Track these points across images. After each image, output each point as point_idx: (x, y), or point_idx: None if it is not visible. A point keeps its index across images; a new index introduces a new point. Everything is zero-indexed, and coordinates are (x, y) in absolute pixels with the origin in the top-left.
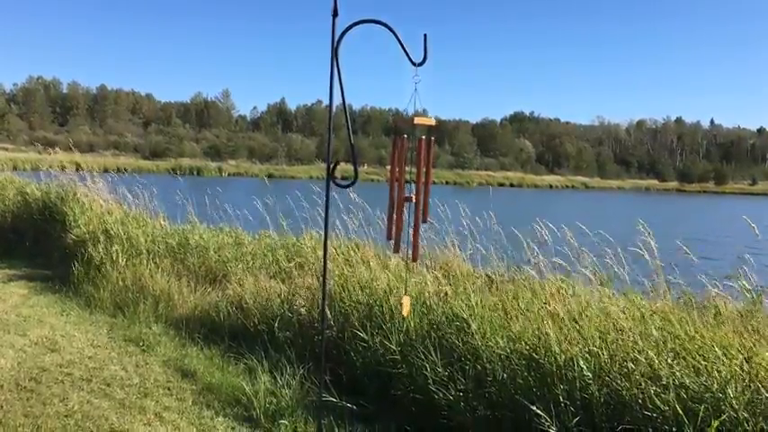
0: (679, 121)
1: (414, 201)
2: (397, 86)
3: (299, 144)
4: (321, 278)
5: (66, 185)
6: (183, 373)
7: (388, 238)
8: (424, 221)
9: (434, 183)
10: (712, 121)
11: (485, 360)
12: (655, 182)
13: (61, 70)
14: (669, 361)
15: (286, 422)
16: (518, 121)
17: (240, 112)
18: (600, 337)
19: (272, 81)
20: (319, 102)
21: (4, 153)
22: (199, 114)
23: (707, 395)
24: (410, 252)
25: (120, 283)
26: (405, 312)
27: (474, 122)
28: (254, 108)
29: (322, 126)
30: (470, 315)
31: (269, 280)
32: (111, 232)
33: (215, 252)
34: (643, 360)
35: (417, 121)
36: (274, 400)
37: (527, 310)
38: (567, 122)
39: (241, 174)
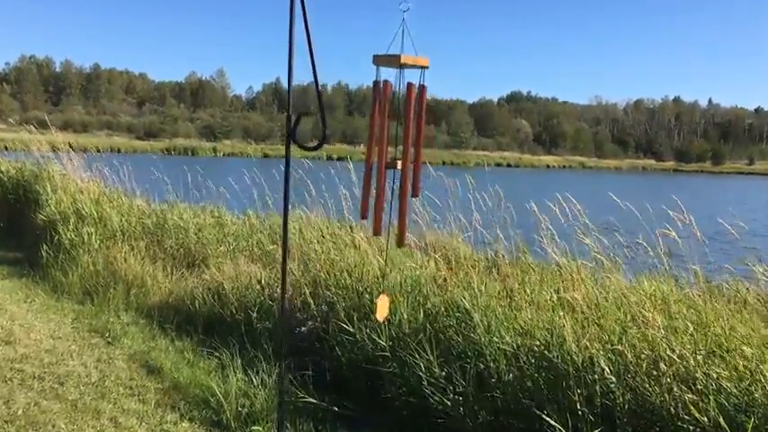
0: (677, 100)
1: (399, 168)
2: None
3: None
4: (281, 260)
5: (42, 163)
6: (148, 369)
7: (363, 216)
8: (415, 195)
9: (430, 163)
10: (710, 101)
11: (488, 358)
12: (652, 161)
13: (54, 49)
14: (704, 360)
15: (260, 428)
16: (515, 101)
17: (236, 91)
18: (623, 332)
19: (268, 61)
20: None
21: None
22: (194, 94)
23: (756, 404)
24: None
25: (91, 267)
26: (379, 315)
27: (471, 102)
28: (250, 88)
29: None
30: (472, 305)
31: (250, 264)
32: (83, 212)
33: (195, 233)
34: (676, 359)
35: (405, 60)
36: (247, 402)
37: (535, 299)
38: (565, 102)
39: (236, 154)
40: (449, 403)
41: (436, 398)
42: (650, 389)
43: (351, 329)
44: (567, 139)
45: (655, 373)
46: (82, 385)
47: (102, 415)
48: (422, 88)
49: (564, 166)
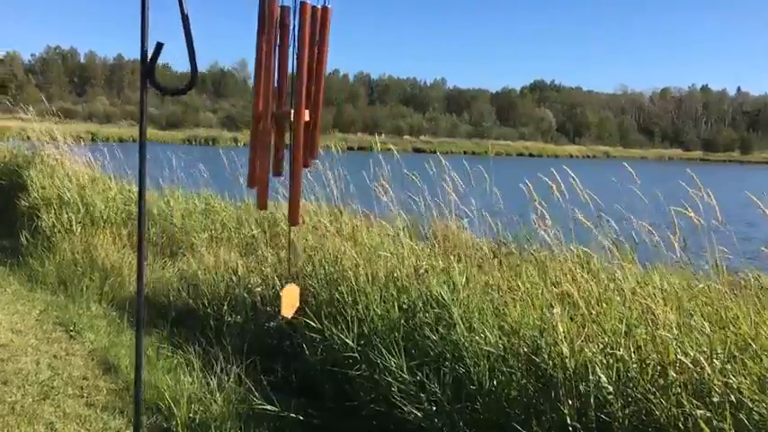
0: (705, 89)
1: (292, 115)
2: (418, 52)
3: None
4: (138, 243)
5: (36, 148)
6: (105, 367)
7: (250, 183)
8: (312, 156)
9: (451, 152)
10: (739, 89)
11: (468, 361)
12: (678, 151)
13: (78, 40)
14: (722, 367)
15: None
16: (539, 90)
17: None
18: (627, 332)
19: None
20: (336, 71)
21: (21, 123)
22: (215, 84)
23: None
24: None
25: (70, 255)
26: (284, 310)
27: (493, 92)
28: None
29: (340, 96)
30: (453, 298)
31: (231, 253)
32: (66, 198)
33: (180, 220)
34: (689, 365)
35: None
36: (201, 408)
37: (530, 292)
38: (590, 91)
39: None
40: (419, 414)
41: (406, 406)
42: (655, 401)
43: (317, 326)
44: (591, 128)
45: (662, 381)
46: (27, 385)
47: (39, 419)
48: (324, 10)
49: (587, 156)
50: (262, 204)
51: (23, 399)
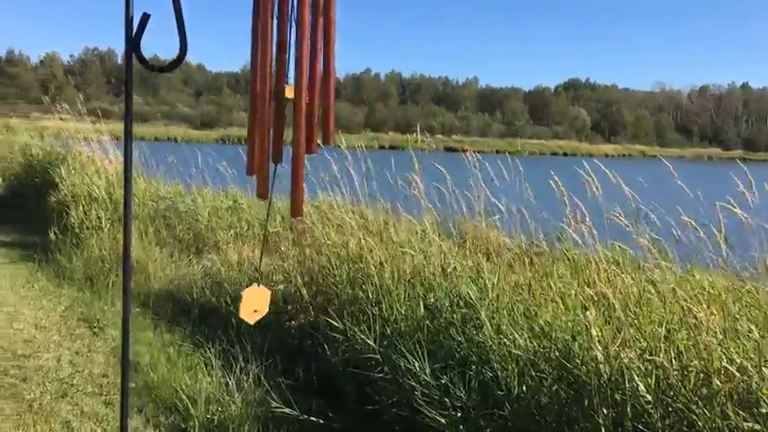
0: (745, 86)
1: (294, 97)
2: (449, 51)
3: (347, 113)
4: (123, 237)
5: (69, 146)
6: None
7: (248, 171)
8: (326, 143)
9: (483, 152)
10: None
11: (495, 364)
12: (718, 150)
13: (116, 41)
14: None
15: None
16: (573, 89)
17: (290, 81)
18: (666, 337)
19: None
20: (368, 70)
21: (60, 123)
22: (248, 84)
23: None
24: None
25: (97, 251)
26: (241, 313)
27: (526, 90)
28: None
29: (371, 95)
30: (480, 298)
31: (254, 250)
32: (95, 194)
33: (206, 218)
34: (735, 373)
35: None
36: (219, 409)
37: (563, 292)
38: (626, 89)
39: (287, 143)
40: (444, 420)
41: (430, 412)
42: (698, 411)
43: (339, 326)
44: (628, 127)
45: (705, 391)
46: (47, 382)
47: (56, 418)
48: None
49: (623, 155)
50: (262, 193)
51: (42, 396)
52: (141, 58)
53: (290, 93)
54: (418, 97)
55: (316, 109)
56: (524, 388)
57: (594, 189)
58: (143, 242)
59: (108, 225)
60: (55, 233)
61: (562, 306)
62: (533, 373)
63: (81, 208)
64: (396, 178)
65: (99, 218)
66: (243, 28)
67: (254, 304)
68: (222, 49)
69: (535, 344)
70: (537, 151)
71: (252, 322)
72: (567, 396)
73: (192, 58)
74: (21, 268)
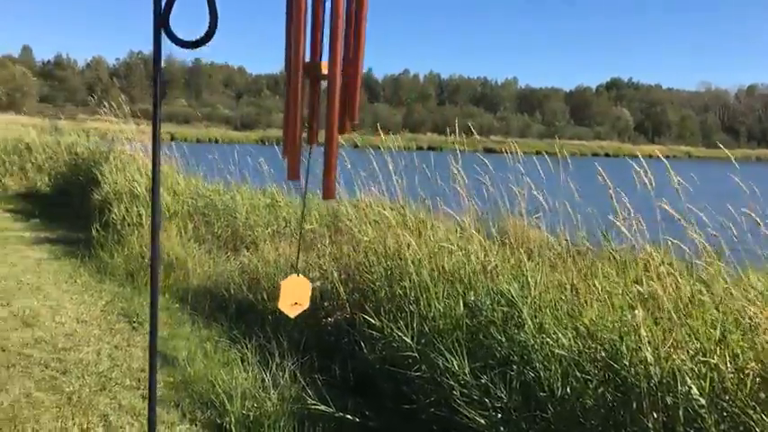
0: None
1: (329, 74)
2: (488, 52)
3: (385, 114)
4: (151, 237)
5: (113, 145)
6: (164, 359)
7: (284, 155)
8: (352, 119)
9: (524, 153)
10: None
11: (538, 365)
12: (766, 151)
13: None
14: None
15: None
16: (615, 88)
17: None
18: (720, 339)
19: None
20: (406, 71)
21: (106, 124)
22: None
23: None
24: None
25: (137, 248)
26: (281, 305)
27: (567, 90)
28: None
29: (410, 96)
30: (522, 296)
31: (291, 247)
32: (137, 192)
33: (244, 215)
34: None
35: None
36: (255, 405)
37: (610, 292)
38: (670, 89)
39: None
40: (483, 421)
41: (469, 412)
42: (756, 416)
43: (376, 323)
44: (672, 127)
45: (763, 395)
46: (87, 375)
47: (94, 411)
48: None
49: (667, 156)
50: (292, 174)
51: (81, 389)
52: (170, 34)
53: (324, 68)
54: (457, 98)
55: (355, 89)
56: (568, 389)
57: (647, 181)
58: (182, 239)
59: (148, 221)
60: (97, 230)
61: (609, 305)
62: (578, 375)
63: (123, 205)
64: (435, 175)
65: (140, 215)
66: (282, 31)
67: (293, 296)
68: (262, 51)
69: (580, 344)
70: (578, 152)
71: (292, 315)
72: (613, 399)
73: (232, 60)
74: (65, 264)
